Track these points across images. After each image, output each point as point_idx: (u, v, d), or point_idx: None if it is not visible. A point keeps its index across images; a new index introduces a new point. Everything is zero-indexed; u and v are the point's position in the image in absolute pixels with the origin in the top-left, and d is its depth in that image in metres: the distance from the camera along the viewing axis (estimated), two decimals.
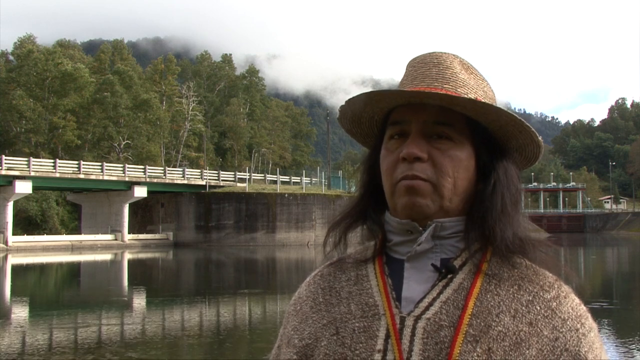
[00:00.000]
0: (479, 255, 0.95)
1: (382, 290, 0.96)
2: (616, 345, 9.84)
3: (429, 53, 1.02)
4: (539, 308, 0.91)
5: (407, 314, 0.92)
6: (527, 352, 0.87)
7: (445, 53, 1.01)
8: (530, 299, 0.91)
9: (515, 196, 0.97)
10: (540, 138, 1.00)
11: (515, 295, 0.92)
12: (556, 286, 0.93)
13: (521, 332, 0.89)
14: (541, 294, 0.92)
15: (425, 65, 0.99)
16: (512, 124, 0.97)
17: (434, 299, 0.92)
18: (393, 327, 0.91)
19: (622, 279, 24.16)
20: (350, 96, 0.99)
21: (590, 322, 0.92)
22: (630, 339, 10.72)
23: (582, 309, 0.93)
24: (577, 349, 0.88)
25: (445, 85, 0.96)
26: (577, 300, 0.93)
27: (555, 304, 0.91)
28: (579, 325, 0.90)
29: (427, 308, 0.92)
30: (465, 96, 0.95)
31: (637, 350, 9.79)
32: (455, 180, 0.95)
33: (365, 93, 0.97)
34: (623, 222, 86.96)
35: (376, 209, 1.02)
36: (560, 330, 0.89)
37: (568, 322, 0.90)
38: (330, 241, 1.05)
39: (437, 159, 0.94)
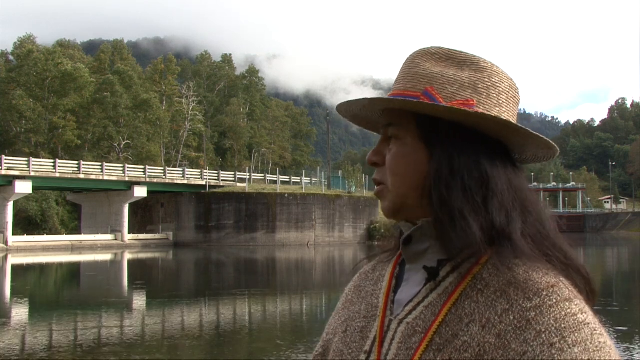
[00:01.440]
0: (475, 258, 0.87)
1: (384, 292, 0.96)
2: (616, 345, 9.82)
3: None
4: (512, 318, 0.80)
5: (394, 316, 0.91)
6: None
7: (418, 50, 0.97)
8: (507, 307, 0.81)
9: (465, 186, 0.87)
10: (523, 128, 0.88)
11: (494, 303, 0.82)
12: (544, 294, 0.80)
13: (486, 343, 0.80)
14: (520, 302, 0.81)
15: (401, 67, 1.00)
16: (460, 117, 0.89)
17: (419, 303, 0.89)
18: (380, 330, 0.91)
19: (622, 279, 24.17)
20: (348, 98, 1.00)
21: (580, 336, 0.77)
22: (631, 339, 10.72)
23: (572, 320, 0.78)
24: None
25: (398, 85, 0.95)
26: (570, 310, 0.79)
27: (534, 314, 0.79)
28: (556, 339, 0.76)
29: (410, 312, 0.89)
30: (405, 92, 0.92)
31: (637, 350, 9.80)
32: (403, 177, 0.92)
33: (341, 107, 1.01)
34: (623, 222, 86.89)
35: None
36: (531, 344, 0.77)
37: (543, 336, 0.77)
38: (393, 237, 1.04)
39: (387, 160, 0.94)
